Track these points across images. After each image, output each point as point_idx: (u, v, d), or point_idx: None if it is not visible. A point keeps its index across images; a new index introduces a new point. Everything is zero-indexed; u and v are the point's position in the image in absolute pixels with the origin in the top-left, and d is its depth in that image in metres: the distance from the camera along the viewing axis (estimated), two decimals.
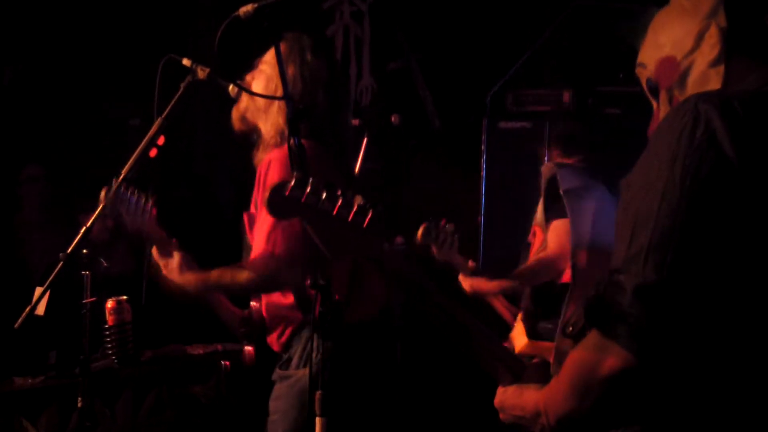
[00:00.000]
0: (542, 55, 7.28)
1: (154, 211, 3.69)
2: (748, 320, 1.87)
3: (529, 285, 5.19)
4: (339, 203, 2.14)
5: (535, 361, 2.31)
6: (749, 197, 1.83)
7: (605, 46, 6.92)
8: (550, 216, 5.16)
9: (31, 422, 4.66)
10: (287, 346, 3.71)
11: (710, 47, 2.07)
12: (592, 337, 1.92)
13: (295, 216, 2.16)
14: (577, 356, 1.98)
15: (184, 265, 3.65)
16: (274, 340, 3.76)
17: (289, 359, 3.70)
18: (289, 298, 3.68)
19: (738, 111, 1.86)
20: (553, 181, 5.39)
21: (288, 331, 3.70)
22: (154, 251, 3.70)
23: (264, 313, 3.81)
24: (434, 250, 5.09)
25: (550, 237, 5.16)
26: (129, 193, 3.64)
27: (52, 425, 4.71)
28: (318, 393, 2.72)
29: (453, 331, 2.30)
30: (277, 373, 3.74)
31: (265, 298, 3.80)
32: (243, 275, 3.54)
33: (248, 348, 3.90)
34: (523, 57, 7.14)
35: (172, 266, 3.65)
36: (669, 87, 2.12)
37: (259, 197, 3.64)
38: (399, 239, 7.13)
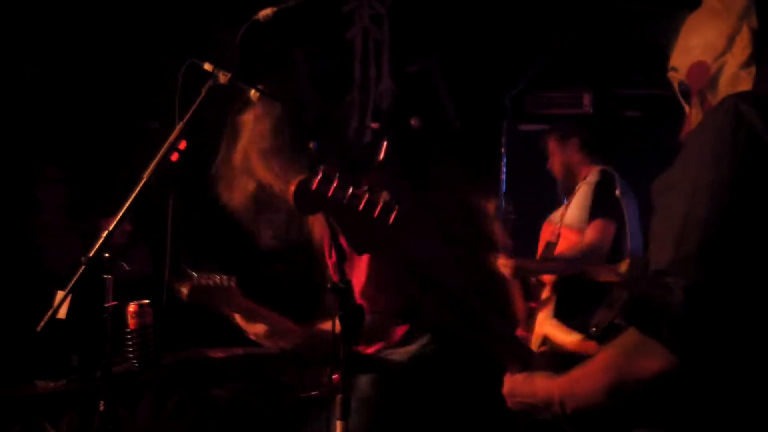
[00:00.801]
0: (562, 57, 7.27)
1: (235, 285, 3.77)
2: None
3: (563, 273, 5.30)
4: (365, 199, 2.14)
5: (543, 348, 2.32)
6: None
7: (625, 48, 6.91)
8: (595, 214, 5.25)
9: (53, 425, 4.67)
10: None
11: (742, 49, 2.06)
12: (632, 336, 1.91)
13: (320, 211, 2.16)
14: (612, 354, 1.97)
15: (278, 331, 3.75)
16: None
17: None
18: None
19: None
20: (605, 184, 5.49)
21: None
22: (240, 321, 3.79)
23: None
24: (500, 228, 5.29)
25: (591, 233, 5.25)
26: (208, 281, 3.74)
27: (74, 428, 4.72)
28: (338, 396, 2.71)
29: (462, 319, 2.30)
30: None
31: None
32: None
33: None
34: (543, 59, 7.13)
35: (260, 334, 3.78)
36: (700, 89, 2.11)
37: None
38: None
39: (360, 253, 2.21)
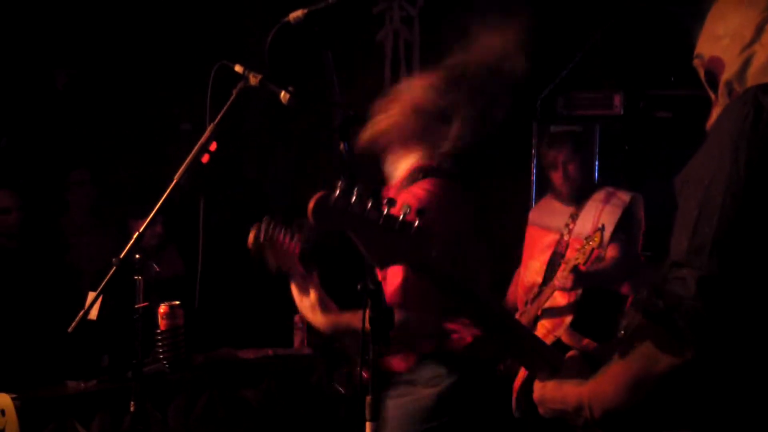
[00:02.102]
0: (593, 58, 7.24)
1: (298, 249, 3.77)
2: None
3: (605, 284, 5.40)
4: (385, 213, 2.13)
5: (572, 353, 2.29)
6: None
7: (657, 48, 6.87)
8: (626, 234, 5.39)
9: (83, 426, 4.69)
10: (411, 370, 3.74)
11: None
12: (648, 331, 1.90)
13: (339, 226, 2.13)
14: (630, 351, 1.96)
15: (317, 306, 3.73)
16: (399, 363, 3.78)
17: (411, 380, 3.71)
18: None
19: None
20: (632, 212, 5.67)
21: (412, 359, 3.73)
22: (294, 288, 3.79)
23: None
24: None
25: (624, 250, 5.34)
26: (276, 230, 3.74)
27: (105, 429, 4.74)
28: (368, 397, 2.71)
29: (492, 327, 2.28)
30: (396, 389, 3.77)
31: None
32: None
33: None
34: (574, 60, 7.11)
35: (305, 304, 3.75)
36: (728, 79, 2.07)
37: None
38: None
39: (381, 266, 2.20)
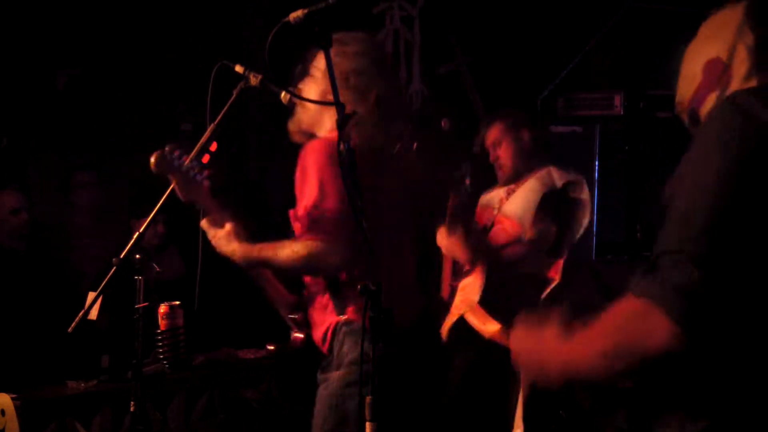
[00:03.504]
0: (593, 58, 7.25)
1: (207, 182, 3.67)
2: None
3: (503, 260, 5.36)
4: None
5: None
6: None
7: (657, 48, 6.88)
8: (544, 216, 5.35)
9: (84, 426, 4.69)
10: (330, 349, 3.72)
11: (740, 64, 2.09)
12: (634, 304, 1.91)
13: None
14: (613, 319, 1.97)
15: (232, 235, 3.63)
16: (318, 339, 3.76)
17: (329, 362, 3.70)
18: (324, 292, 3.70)
19: None
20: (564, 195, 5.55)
21: (329, 332, 3.71)
22: (205, 221, 3.67)
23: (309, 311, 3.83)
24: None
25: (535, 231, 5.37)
26: (179, 157, 3.62)
27: (105, 429, 4.74)
28: (368, 398, 2.71)
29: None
30: (318, 376, 3.74)
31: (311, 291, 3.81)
32: (284, 252, 3.53)
33: (297, 335, 3.88)
34: (574, 61, 7.12)
35: (220, 235, 3.63)
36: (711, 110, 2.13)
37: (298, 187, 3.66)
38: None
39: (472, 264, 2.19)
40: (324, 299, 3.70)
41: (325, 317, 3.71)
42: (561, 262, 5.42)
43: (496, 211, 5.57)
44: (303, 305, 3.84)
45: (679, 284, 1.84)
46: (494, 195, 5.69)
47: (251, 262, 3.67)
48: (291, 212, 3.71)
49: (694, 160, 1.95)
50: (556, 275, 5.40)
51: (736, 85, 2.08)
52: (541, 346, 2.17)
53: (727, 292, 1.83)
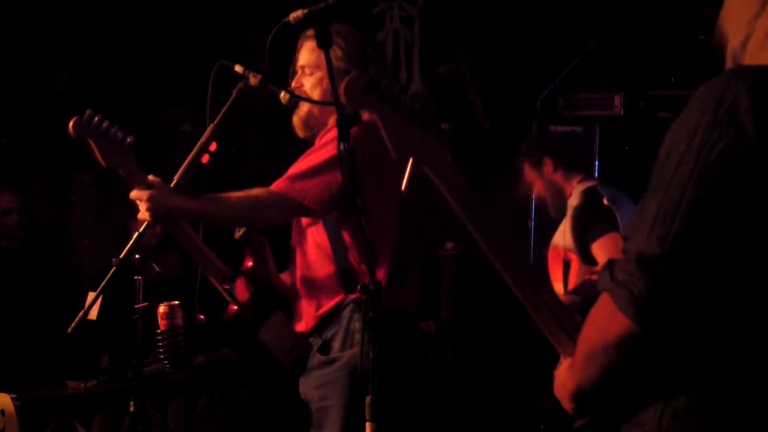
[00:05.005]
0: (593, 58, 7.25)
1: (131, 139, 3.50)
2: (753, 301, 1.84)
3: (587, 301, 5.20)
4: (411, 104, 2.14)
5: None
6: (765, 178, 1.79)
7: (657, 48, 6.88)
8: (594, 236, 5.15)
9: (84, 426, 4.69)
10: (320, 328, 3.71)
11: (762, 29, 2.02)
12: (603, 301, 1.89)
13: (369, 106, 2.14)
14: (588, 320, 1.95)
15: (169, 189, 3.49)
16: (310, 313, 3.75)
17: (326, 343, 3.70)
18: (327, 270, 3.71)
19: None
20: (588, 204, 5.33)
21: (327, 306, 3.71)
22: (135, 190, 3.48)
23: (299, 286, 3.81)
24: None
25: (601, 255, 5.11)
26: (100, 122, 3.47)
27: (105, 429, 4.74)
28: (368, 398, 2.71)
29: (515, 273, 2.20)
30: (318, 358, 3.73)
31: (301, 271, 3.80)
32: (238, 193, 3.56)
33: (232, 307, 3.84)
34: (574, 60, 7.11)
35: (155, 194, 3.43)
36: (733, 50, 2.06)
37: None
38: (449, 245, 7.15)
39: (402, 157, 2.17)
40: (318, 281, 3.70)
41: (321, 300, 3.72)
42: None
43: (563, 246, 5.48)
44: (235, 276, 3.80)
45: (625, 278, 1.81)
46: (559, 231, 5.59)
47: (197, 212, 3.58)
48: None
49: (670, 139, 1.89)
50: None
51: (759, 35, 1.98)
52: (562, 371, 2.13)
53: (672, 285, 1.79)
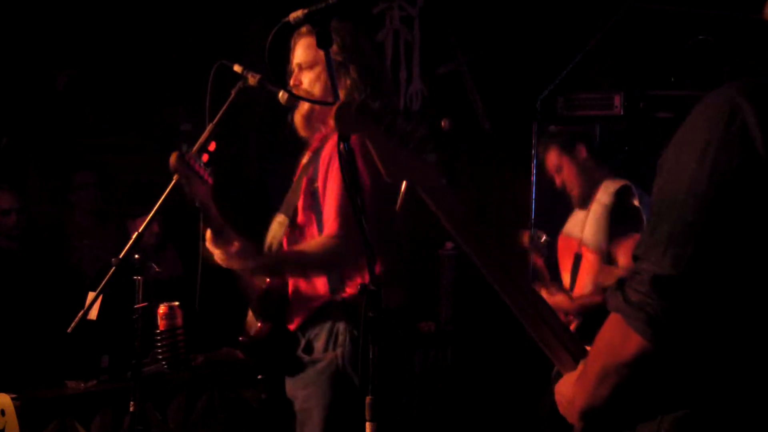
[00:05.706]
0: (593, 58, 7.24)
1: (211, 181, 3.61)
2: (763, 317, 1.85)
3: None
4: (404, 127, 2.13)
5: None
6: None
7: (657, 48, 6.87)
8: (622, 233, 5.12)
9: (84, 426, 4.69)
10: (304, 328, 3.71)
11: None
12: (615, 321, 1.89)
13: (361, 129, 2.13)
14: (599, 339, 1.95)
15: (244, 251, 3.58)
16: (299, 313, 3.77)
17: (309, 343, 3.70)
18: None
19: None
20: (623, 202, 5.30)
21: (314, 306, 3.72)
22: (209, 241, 3.60)
23: (290, 285, 3.82)
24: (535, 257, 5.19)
25: (624, 258, 5.09)
26: (197, 161, 3.57)
27: (105, 429, 4.75)
28: (368, 398, 2.70)
29: (513, 291, 2.20)
30: (302, 358, 3.73)
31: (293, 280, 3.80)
32: (312, 253, 3.59)
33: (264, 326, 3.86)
34: (574, 60, 7.11)
35: (230, 252, 3.56)
36: None
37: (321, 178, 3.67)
38: (449, 245, 7.14)
39: (394, 180, 2.17)
40: (308, 281, 3.71)
41: (310, 300, 3.75)
42: None
43: (579, 242, 5.45)
44: (269, 295, 3.83)
45: (640, 298, 1.82)
46: (575, 221, 5.58)
47: (270, 270, 3.71)
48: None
49: (676, 154, 1.88)
50: None
51: None
52: (567, 387, 2.14)
53: (688, 306, 1.79)
